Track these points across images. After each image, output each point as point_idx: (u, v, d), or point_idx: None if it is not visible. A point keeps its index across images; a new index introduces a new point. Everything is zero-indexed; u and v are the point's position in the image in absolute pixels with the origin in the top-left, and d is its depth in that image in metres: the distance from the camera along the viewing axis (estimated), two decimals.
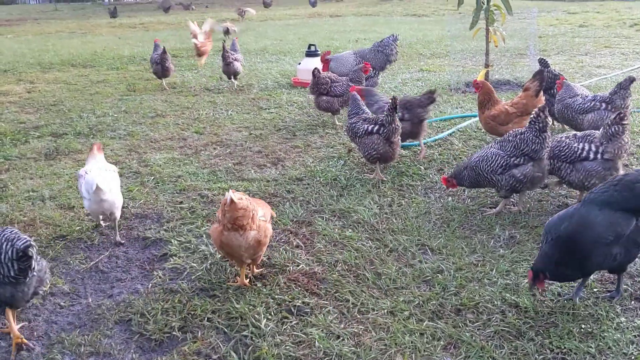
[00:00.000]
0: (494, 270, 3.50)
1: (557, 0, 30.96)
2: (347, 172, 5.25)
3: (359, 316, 3.14)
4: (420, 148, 5.72)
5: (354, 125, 5.17)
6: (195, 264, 3.71)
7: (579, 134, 4.34)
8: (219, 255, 3.78)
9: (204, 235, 4.09)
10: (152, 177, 5.28)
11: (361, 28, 18.85)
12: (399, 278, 3.48)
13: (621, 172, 4.07)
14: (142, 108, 8.06)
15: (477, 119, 5.98)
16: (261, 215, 3.35)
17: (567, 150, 4.18)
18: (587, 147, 4.14)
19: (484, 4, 8.02)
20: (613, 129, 4.09)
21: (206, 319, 3.14)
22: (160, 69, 9.34)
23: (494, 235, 3.97)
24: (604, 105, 5.29)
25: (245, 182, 5.07)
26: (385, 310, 3.16)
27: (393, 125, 4.90)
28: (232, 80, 9.41)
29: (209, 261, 3.74)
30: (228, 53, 9.12)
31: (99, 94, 9.16)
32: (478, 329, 2.99)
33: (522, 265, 3.56)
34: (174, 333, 3.05)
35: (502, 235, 3.96)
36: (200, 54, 10.96)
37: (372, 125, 5.03)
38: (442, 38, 15.01)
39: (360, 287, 3.41)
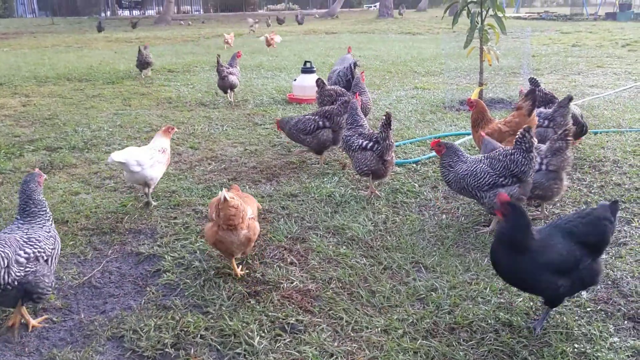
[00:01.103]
0: (488, 289, 3.51)
1: (550, 20, 31.35)
2: (342, 189, 5.26)
3: (352, 334, 3.13)
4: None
5: (349, 138, 5.18)
6: (188, 280, 3.70)
7: (546, 147, 4.52)
8: (213, 272, 3.77)
9: (198, 251, 4.08)
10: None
11: (357, 45, 18.97)
12: (393, 296, 3.48)
13: (565, 182, 4.41)
14: (137, 122, 8.07)
15: (471, 137, 6.01)
16: (250, 214, 3.64)
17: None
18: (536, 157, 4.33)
19: (478, 23, 8.11)
20: (558, 144, 4.39)
21: (199, 336, 3.13)
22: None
23: (487, 254, 3.97)
24: (546, 122, 5.59)
25: None
26: (379, 329, 3.16)
27: (387, 142, 4.92)
28: (229, 93, 9.44)
29: (203, 277, 3.72)
30: (222, 67, 9.15)
31: (94, 108, 9.17)
32: (472, 348, 2.99)
33: None
34: (166, 350, 3.03)
35: None
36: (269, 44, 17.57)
37: (367, 141, 5.03)
38: (437, 56, 15.13)
39: (354, 304, 3.40)
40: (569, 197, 4.91)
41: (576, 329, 3.11)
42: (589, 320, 3.19)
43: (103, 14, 49.15)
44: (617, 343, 2.99)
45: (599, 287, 3.51)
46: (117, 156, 4.57)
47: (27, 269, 3.02)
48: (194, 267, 3.86)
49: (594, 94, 9.35)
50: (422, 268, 3.82)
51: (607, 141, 6.43)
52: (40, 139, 7.22)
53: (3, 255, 2.91)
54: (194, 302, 3.47)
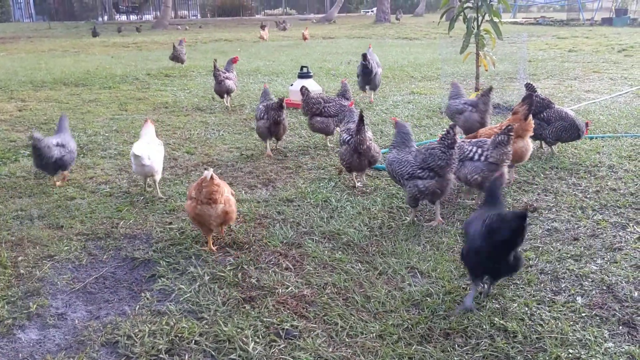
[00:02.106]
0: (483, 294, 3.50)
1: (547, 25, 31.46)
2: (338, 194, 5.26)
3: (347, 340, 3.12)
4: None
5: (341, 133, 5.65)
6: (183, 286, 3.69)
7: (474, 140, 4.93)
8: (208, 278, 3.77)
9: (193, 257, 4.07)
10: (142, 197, 5.27)
11: (353, 50, 19.00)
12: (388, 301, 3.47)
13: (505, 176, 4.48)
14: (134, 127, 8.06)
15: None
16: (227, 192, 4.15)
17: (459, 150, 4.66)
18: (474, 150, 4.74)
19: (474, 28, 8.13)
20: (500, 138, 4.63)
21: (193, 341, 3.12)
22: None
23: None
24: (470, 107, 6.46)
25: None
26: (374, 334, 3.15)
27: (358, 136, 5.16)
28: (226, 98, 9.45)
29: (198, 283, 3.72)
30: (219, 72, 9.17)
31: (91, 113, 9.16)
32: (467, 354, 2.98)
33: (510, 289, 3.57)
34: (160, 356, 3.02)
35: None
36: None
37: (347, 136, 5.39)
38: (434, 61, 15.16)
39: (349, 310, 3.40)
40: (565, 203, 4.92)
41: (571, 334, 3.11)
42: (584, 325, 3.19)
43: (100, 19, 49.14)
44: (612, 348, 2.99)
45: (594, 292, 3.52)
46: (138, 150, 5.05)
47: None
48: (189, 273, 3.85)
49: (590, 99, 9.37)
50: (418, 273, 3.82)
51: (603, 146, 6.44)
52: None
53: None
54: (188, 307, 3.46)
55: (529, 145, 5.40)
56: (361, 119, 5.14)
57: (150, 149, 5.18)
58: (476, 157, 4.70)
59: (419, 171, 4.43)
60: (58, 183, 5.66)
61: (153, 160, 5.14)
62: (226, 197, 4.09)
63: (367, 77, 9.57)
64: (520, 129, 5.31)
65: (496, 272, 3.36)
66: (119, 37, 28.29)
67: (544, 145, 6.36)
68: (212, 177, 3.96)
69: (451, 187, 4.57)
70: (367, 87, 9.77)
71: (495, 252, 3.21)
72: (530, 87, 6.11)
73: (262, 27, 25.84)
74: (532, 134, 5.46)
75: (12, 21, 50.15)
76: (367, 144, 5.24)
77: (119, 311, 3.47)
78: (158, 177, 5.28)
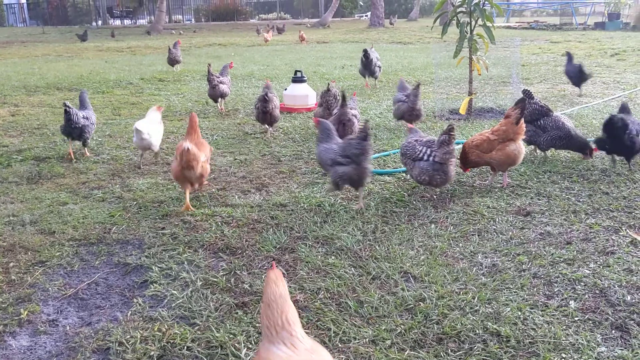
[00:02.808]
0: (476, 299, 3.50)
1: (540, 29, 31.60)
2: (332, 198, 5.25)
3: (340, 345, 3.11)
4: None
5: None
6: (175, 292, 3.67)
7: (424, 139, 5.20)
8: (200, 283, 3.76)
9: (186, 262, 4.06)
10: (135, 202, 5.25)
11: (348, 55, 19.05)
12: (381, 306, 3.47)
13: (452, 174, 5.03)
14: (127, 132, 8.04)
15: (460, 146, 6.03)
16: (203, 159, 5.02)
17: (412, 151, 5.13)
18: (424, 150, 5.04)
19: (467, 33, 8.15)
20: (442, 138, 4.96)
21: (185, 347, 3.10)
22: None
23: (475, 263, 3.98)
24: (404, 97, 7.75)
25: (228, 208, 5.05)
26: (367, 339, 3.14)
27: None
28: (220, 102, 9.46)
29: (190, 288, 3.70)
30: (213, 76, 9.18)
31: None
32: (460, 358, 2.98)
33: (503, 293, 3.57)
34: None
35: (484, 263, 3.97)
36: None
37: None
38: (427, 65, 15.21)
39: (342, 315, 3.39)
40: (558, 207, 4.93)
41: (564, 338, 3.10)
42: (577, 329, 3.19)
43: (94, 23, 49.07)
44: (605, 353, 2.99)
45: (586, 296, 3.52)
46: (140, 125, 6.09)
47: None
48: (181, 278, 3.84)
49: (583, 103, 9.41)
50: (411, 278, 3.81)
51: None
52: (28, 149, 7.18)
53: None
54: (180, 313, 3.44)
55: (521, 148, 5.41)
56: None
57: (150, 126, 6.18)
58: (425, 157, 5.02)
59: (339, 158, 4.92)
60: (71, 153, 6.80)
61: (152, 136, 6.16)
62: (203, 165, 5.00)
63: (367, 65, 11.55)
64: (512, 132, 5.34)
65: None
66: (113, 42, 28.27)
67: (537, 149, 6.38)
68: (188, 150, 4.80)
69: (367, 175, 4.97)
70: (367, 74, 11.79)
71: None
72: (527, 94, 6.12)
73: (267, 30, 26.82)
74: (524, 137, 5.49)
75: (5, 26, 50.04)
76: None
77: (110, 317, 3.45)
78: (156, 149, 6.37)
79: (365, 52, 11.37)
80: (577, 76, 10.06)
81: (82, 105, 7.03)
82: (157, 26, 37.61)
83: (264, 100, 7.54)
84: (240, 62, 17.27)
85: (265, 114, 7.58)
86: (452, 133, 4.91)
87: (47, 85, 12.76)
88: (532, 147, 6.39)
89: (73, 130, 6.62)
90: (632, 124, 5.70)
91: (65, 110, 6.55)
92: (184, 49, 20.67)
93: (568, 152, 6.38)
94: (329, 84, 7.85)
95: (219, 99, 9.43)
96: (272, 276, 2.23)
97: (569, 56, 10.35)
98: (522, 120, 5.35)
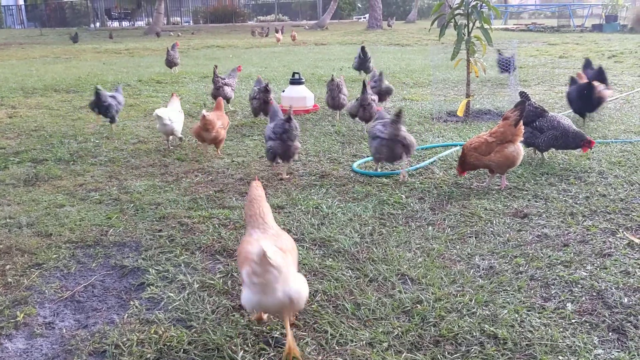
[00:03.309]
0: (473, 301, 3.50)
1: (538, 31, 31.64)
2: (329, 200, 5.25)
3: (337, 347, 3.10)
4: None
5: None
6: (172, 294, 3.66)
7: (388, 120, 5.85)
8: (197, 286, 3.75)
9: (182, 264, 4.05)
10: (132, 205, 5.24)
11: (346, 57, 19.05)
12: (378, 308, 3.46)
13: (399, 152, 5.69)
14: (124, 134, 8.04)
15: (459, 148, 6.04)
16: (220, 125, 6.64)
17: (373, 130, 5.86)
18: (382, 129, 5.73)
19: (464, 35, 8.16)
20: (392, 119, 5.74)
21: (182, 350, 3.09)
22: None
23: (473, 265, 3.97)
24: (373, 82, 9.05)
25: (226, 210, 5.05)
26: (364, 342, 3.14)
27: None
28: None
29: (187, 291, 3.69)
30: (218, 77, 9.22)
31: (81, 120, 9.13)
32: None
33: (501, 295, 3.57)
34: None
35: (481, 265, 3.97)
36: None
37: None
38: (425, 67, 15.21)
39: (339, 317, 3.38)
40: (555, 209, 4.93)
41: (561, 340, 3.10)
42: (574, 332, 3.19)
43: (92, 25, 49.04)
44: (602, 355, 2.99)
45: (583, 298, 3.52)
46: (160, 112, 7.01)
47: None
48: (178, 281, 3.83)
49: None
50: (408, 280, 3.81)
51: (593, 152, 6.46)
52: (25, 151, 7.17)
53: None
54: (177, 316, 3.44)
55: (520, 150, 5.42)
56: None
57: (170, 113, 7.07)
58: (382, 135, 5.71)
59: (271, 135, 5.88)
60: (95, 123, 8.57)
61: (173, 122, 7.06)
62: (218, 128, 6.55)
63: (363, 62, 13.16)
64: (510, 134, 5.35)
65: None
66: (111, 44, 28.26)
67: (536, 151, 6.39)
68: (204, 116, 6.41)
69: (293, 152, 5.91)
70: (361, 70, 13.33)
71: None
72: (524, 96, 6.12)
73: (276, 30, 28.34)
74: (522, 139, 5.49)
75: (3, 27, 49.98)
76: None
77: (107, 320, 3.44)
78: (178, 134, 7.32)
79: (363, 48, 13.04)
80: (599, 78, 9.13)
81: (115, 90, 8.55)
82: (155, 28, 37.61)
83: (266, 90, 8.16)
84: (238, 64, 17.26)
85: (266, 104, 8.04)
86: (399, 115, 5.69)
87: (45, 87, 12.75)
88: (531, 149, 6.39)
89: (100, 106, 7.98)
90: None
91: (96, 91, 7.99)
92: (181, 51, 20.66)
93: (565, 153, 6.38)
94: (333, 75, 8.95)
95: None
96: (254, 184, 3.34)
97: (587, 62, 9.97)
98: (521, 123, 5.36)
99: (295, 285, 2.81)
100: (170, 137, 7.30)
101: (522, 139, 5.46)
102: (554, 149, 6.24)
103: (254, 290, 2.77)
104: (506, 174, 5.57)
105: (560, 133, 6.00)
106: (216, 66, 9.55)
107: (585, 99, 8.03)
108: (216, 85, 9.24)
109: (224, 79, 9.39)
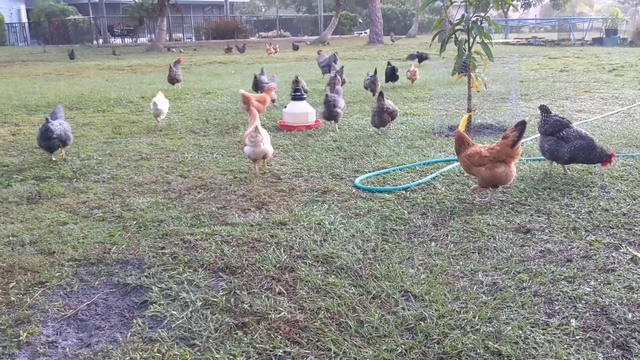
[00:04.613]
0: (477, 317, 3.49)
1: (538, 45, 31.79)
2: (332, 216, 5.25)
3: None
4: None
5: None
6: (175, 312, 3.66)
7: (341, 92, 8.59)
8: (200, 304, 3.75)
9: (185, 282, 4.05)
10: (135, 222, 5.25)
11: (347, 72, 19.10)
12: (382, 326, 3.45)
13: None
14: (127, 151, 8.07)
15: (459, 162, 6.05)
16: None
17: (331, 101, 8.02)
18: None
19: (465, 50, 8.20)
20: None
21: None
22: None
23: (476, 281, 3.97)
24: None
25: (228, 227, 5.05)
26: None
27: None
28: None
29: (190, 309, 3.69)
30: (263, 83, 11.40)
31: (84, 137, 9.17)
32: None
33: (504, 312, 3.56)
34: None
35: (484, 281, 3.96)
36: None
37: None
38: (426, 82, 15.27)
39: (342, 335, 3.38)
40: (557, 224, 4.93)
41: (565, 357, 3.09)
42: (578, 348, 3.18)
43: (95, 42, 49.36)
44: None
45: (587, 314, 3.50)
46: (157, 100, 9.54)
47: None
48: (181, 298, 3.83)
49: (582, 119, 9.44)
50: (411, 297, 3.80)
51: (595, 166, 6.46)
52: (29, 169, 7.20)
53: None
54: (180, 334, 3.43)
55: (511, 172, 5.39)
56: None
57: (161, 100, 9.66)
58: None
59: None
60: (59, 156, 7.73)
61: (163, 106, 9.66)
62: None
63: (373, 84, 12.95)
64: (505, 154, 5.34)
65: None
66: (113, 60, 28.42)
67: (554, 164, 6.34)
68: (243, 93, 9.16)
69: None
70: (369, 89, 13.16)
71: None
72: (544, 109, 6.28)
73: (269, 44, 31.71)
74: (517, 160, 5.50)
75: (6, 45, 50.29)
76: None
77: (110, 338, 3.44)
78: (163, 116, 9.81)
79: (389, 64, 14.94)
80: None
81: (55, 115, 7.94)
82: (157, 44, 37.83)
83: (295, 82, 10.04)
84: (240, 80, 17.36)
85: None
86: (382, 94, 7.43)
87: (48, 104, 12.80)
88: (547, 163, 6.38)
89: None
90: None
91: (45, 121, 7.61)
92: (184, 67, 20.79)
93: (568, 168, 6.38)
94: (296, 76, 10.55)
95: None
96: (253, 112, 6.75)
97: None
98: (519, 143, 5.35)
99: (268, 146, 6.46)
100: (159, 117, 9.71)
101: (516, 161, 5.46)
102: (573, 164, 6.21)
103: (250, 145, 6.41)
104: (508, 188, 5.57)
105: (587, 143, 5.96)
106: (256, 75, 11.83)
107: None
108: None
109: (268, 83, 11.34)
